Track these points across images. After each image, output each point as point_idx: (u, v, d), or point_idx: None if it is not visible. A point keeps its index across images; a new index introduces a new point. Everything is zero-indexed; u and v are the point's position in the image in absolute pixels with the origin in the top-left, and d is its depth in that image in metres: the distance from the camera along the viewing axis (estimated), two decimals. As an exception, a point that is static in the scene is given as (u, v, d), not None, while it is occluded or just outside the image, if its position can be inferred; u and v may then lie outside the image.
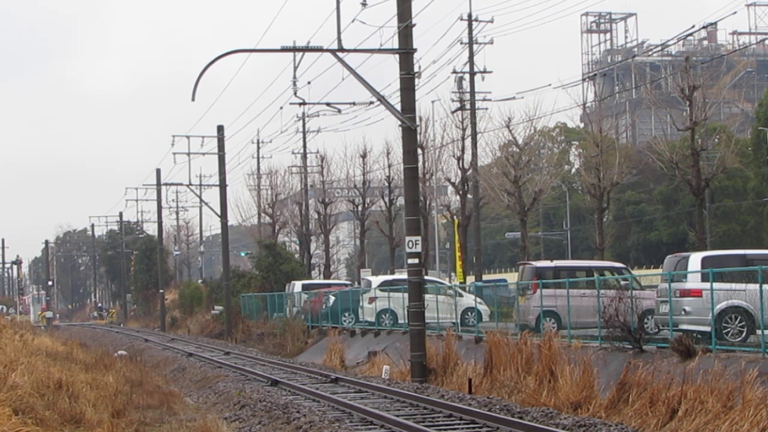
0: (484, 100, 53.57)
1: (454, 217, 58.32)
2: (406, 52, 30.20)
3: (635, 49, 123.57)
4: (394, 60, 30.65)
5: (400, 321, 40.79)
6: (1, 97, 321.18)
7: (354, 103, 45.77)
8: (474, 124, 52.74)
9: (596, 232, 48.25)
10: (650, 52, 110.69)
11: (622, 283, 29.44)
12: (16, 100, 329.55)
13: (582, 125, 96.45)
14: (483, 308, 38.07)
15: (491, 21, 52.51)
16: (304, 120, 69.01)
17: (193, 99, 31.10)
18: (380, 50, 30.78)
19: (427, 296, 32.96)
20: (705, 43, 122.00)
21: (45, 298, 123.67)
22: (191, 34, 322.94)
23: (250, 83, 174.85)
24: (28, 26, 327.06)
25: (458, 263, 53.97)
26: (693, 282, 24.98)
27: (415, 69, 30.62)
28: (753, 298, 22.67)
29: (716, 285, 23.51)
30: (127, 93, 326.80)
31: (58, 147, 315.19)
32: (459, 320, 37.41)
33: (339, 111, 43.87)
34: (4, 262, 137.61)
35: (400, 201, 57.63)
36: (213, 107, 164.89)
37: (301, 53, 33.80)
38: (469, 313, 38.37)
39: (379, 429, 20.20)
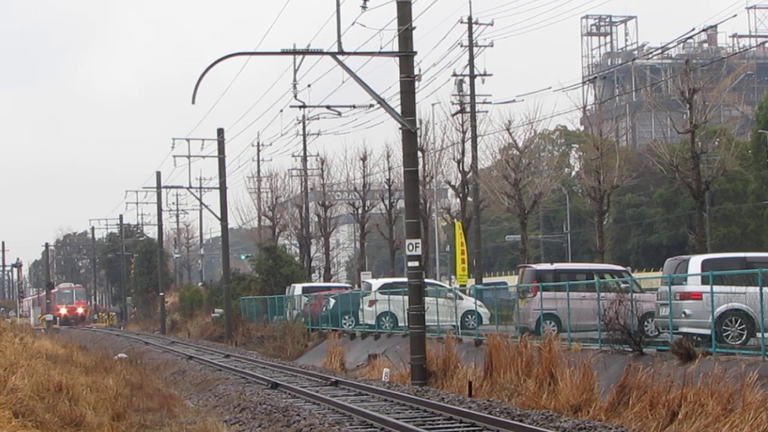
0: (484, 102, 53.58)
1: (455, 219, 58.31)
2: (406, 55, 30.22)
3: (635, 52, 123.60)
4: (394, 63, 30.68)
5: (400, 324, 40.79)
6: (8, 99, 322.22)
7: (354, 106, 45.77)
8: (474, 127, 52.75)
9: (596, 235, 48.25)
10: (650, 55, 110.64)
11: (622, 286, 29.45)
12: (21, 101, 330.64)
13: (582, 128, 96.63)
14: (483, 311, 38.11)
15: (491, 24, 52.59)
16: (304, 123, 69.00)
17: (193, 102, 31.05)
18: (380, 53, 30.79)
19: (427, 299, 32.96)
20: (705, 46, 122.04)
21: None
22: (200, 35, 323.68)
23: (251, 86, 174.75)
24: (42, 28, 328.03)
25: (459, 266, 53.89)
26: (693, 285, 24.98)
27: (416, 72, 30.61)
28: (753, 301, 22.67)
29: (716, 288, 23.50)
30: (130, 95, 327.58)
31: (59, 149, 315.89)
32: (459, 323, 37.43)
33: (339, 114, 43.89)
34: (4, 265, 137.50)
35: (400, 204, 57.61)
36: (213, 110, 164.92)
37: (301, 56, 33.84)
38: (469, 316, 38.37)
39: (379, 432, 20.22)
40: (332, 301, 47.91)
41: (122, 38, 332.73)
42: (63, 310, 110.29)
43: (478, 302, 38.52)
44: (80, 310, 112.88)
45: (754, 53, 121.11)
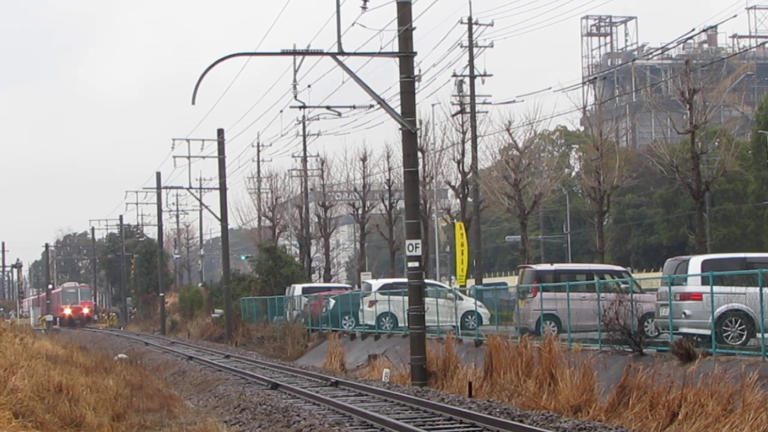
0: (484, 103, 53.58)
1: (455, 220, 58.34)
2: (406, 55, 30.22)
3: (635, 53, 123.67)
4: (394, 63, 30.70)
5: (400, 324, 40.79)
6: (8, 99, 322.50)
7: (354, 107, 45.77)
8: (474, 128, 52.74)
9: (596, 236, 48.24)
10: (650, 56, 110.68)
11: (622, 286, 29.45)
12: (21, 101, 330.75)
13: (582, 128, 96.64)
14: (483, 311, 38.10)
15: (491, 24, 52.59)
16: (304, 123, 68.99)
17: (193, 102, 31.06)
18: (380, 53, 30.80)
19: (427, 299, 32.97)
20: (705, 46, 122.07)
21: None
22: (200, 35, 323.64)
23: (251, 86, 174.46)
24: (43, 28, 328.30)
25: (459, 266, 53.87)
26: (693, 285, 24.98)
27: (416, 72, 30.62)
28: (753, 302, 22.67)
29: (716, 288, 23.50)
30: (130, 95, 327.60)
31: (59, 149, 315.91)
32: (459, 323, 37.43)
33: (339, 114, 43.88)
34: (4, 266, 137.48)
35: (401, 204, 57.60)
36: (213, 110, 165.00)
37: (301, 56, 33.85)
38: (469, 317, 38.36)
39: (379, 432, 20.21)
40: (332, 302, 47.90)
41: (122, 38, 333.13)
42: (67, 311, 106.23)
43: (478, 303, 38.51)
44: (86, 311, 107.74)
45: (754, 53, 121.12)
